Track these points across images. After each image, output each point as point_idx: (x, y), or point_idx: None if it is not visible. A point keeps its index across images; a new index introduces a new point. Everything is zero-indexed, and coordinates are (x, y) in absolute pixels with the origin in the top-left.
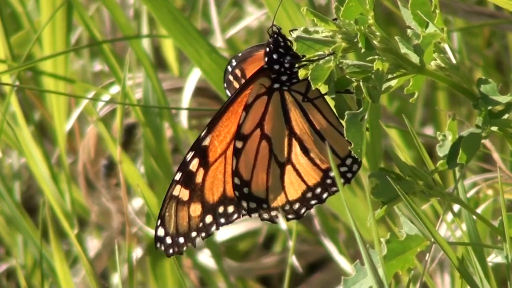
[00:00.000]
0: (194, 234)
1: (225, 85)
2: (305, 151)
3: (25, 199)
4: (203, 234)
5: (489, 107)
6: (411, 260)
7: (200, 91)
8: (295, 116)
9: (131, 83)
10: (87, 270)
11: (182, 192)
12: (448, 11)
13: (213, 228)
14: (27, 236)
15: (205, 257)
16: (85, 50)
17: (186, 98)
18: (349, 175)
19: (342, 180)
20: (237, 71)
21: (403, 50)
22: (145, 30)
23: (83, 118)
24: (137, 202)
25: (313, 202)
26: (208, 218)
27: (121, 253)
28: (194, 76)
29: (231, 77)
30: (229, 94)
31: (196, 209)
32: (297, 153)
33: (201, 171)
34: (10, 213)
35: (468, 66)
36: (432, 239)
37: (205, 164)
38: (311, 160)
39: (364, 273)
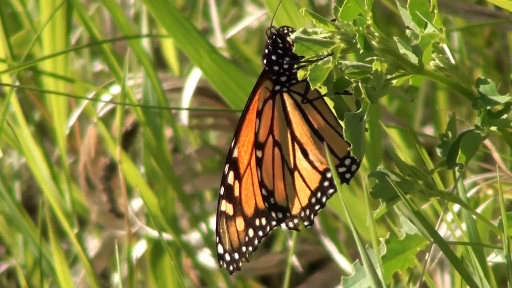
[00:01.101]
0: (244, 248)
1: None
2: (305, 154)
3: (25, 199)
4: (251, 249)
5: (488, 107)
6: (411, 259)
7: (200, 91)
8: (295, 118)
9: (131, 83)
10: (87, 269)
11: (227, 207)
12: (448, 11)
13: (256, 241)
14: (27, 235)
15: (205, 257)
16: (85, 50)
17: (186, 98)
18: (347, 175)
19: (340, 181)
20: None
21: (402, 50)
22: (145, 30)
23: (83, 118)
24: (137, 202)
25: (317, 207)
26: (250, 232)
27: (121, 253)
28: (195, 76)
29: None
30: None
31: (240, 223)
32: (299, 158)
33: (237, 184)
34: (10, 213)
35: (468, 65)
36: (432, 239)
37: (238, 176)
38: (311, 163)
39: (363, 273)
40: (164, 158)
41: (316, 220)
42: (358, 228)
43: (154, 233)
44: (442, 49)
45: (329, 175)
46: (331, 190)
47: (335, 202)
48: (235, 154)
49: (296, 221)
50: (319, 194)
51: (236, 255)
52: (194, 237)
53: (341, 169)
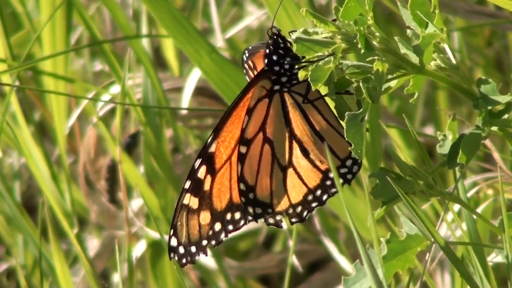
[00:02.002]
0: (205, 242)
1: (244, 71)
2: (305, 153)
3: (25, 199)
4: (213, 242)
5: (489, 107)
6: (411, 259)
7: (200, 91)
8: (295, 118)
9: (132, 83)
10: (87, 269)
11: (191, 201)
12: (449, 11)
13: (222, 235)
14: (27, 235)
15: (205, 257)
16: (86, 50)
17: (186, 98)
18: (349, 176)
19: (341, 181)
20: (250, 63)
21: (403, 50)
22: (145, 30)
23: (83, 118)
24: (137, 202)
25: (314, 204)
26: (217, 226)
27: (121, 253)
28: (194, 76)
29: (246, 66)
30: (248, 80)
31: (205, 217)
32: (297, 156)
33: (209, 178)
34: (10, 213)
35: (469, 65)
36: (432, 239)
37: (212, 171)
38: (311, 162)
39: (364, 273)
40: (164, 158)
41: (316, 220)
42: (358, 228)
43: (154, 233)
44: (443, 49)
45: (331, 174)
46: (333, 189)
47: (335, 202)
48: (211, 149)
49: (278, 217)
50: (318, 192)
51: (193, 248)
52: None
53: (343, 170)
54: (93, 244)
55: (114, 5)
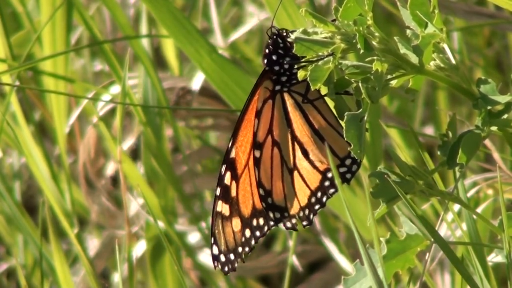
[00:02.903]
0: (240, 249)
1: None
2: (305, 154)
3: (25, 198)
4: (247, 249)
5: (489, 107)
6: (411, 259)
7: (200, 91)
8: (296, 118)
9: (132, 83)
10: (87, 269)
11: (224, 208)
12: (448, 12)
13: (253, 241)
14: (27, 235)
15: (205, 257)
16: (86, 50)
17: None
18: (348, 175)
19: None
20: None
21: (403, 50)
22: (145, 30)
23: (83, 118)
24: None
25: (316, 207)
26: (247, 232)
27: (121, 252)
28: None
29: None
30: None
31: (236, 223)
32: (300, 157)
33: (234, 184)
34: (10, 213)
35: (468, 65)
36: (432, 239)
37: (235, 177)
38: (311, 163)
39: (364, 273)
40: (164, 158)
41: (316, 220)
42: (358, 228)
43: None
44: (442, 49)
45: (329, 174)
46: (332, 190)
47: (336, 202)
48: (232, 154)
49: (294, 221)
50: (319, 194)
51: (232, 256)
52: (194, 237)
53: (342, 169)
54: (93, 244)
55: (114, 5)
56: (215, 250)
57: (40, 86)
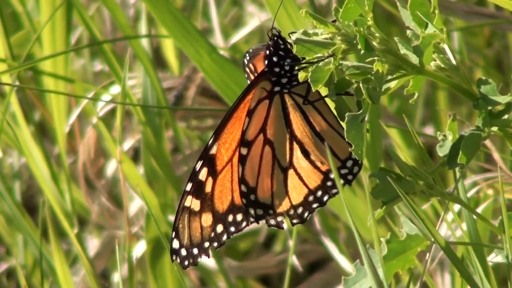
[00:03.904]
0: (207, 244)
1: (246, 75)
2: (306, 154)
3: (25, 199)
4: (215, 244)
5: (489, 107)
6: (411, 259)
7: (200, 91)
8: (296, 119)
9: (132, 83)
10: (87, 269)
11: (193, 203)
12: (448, 12)
13: (224, 237)
14: (27, 235)
15: (205, 257)
16: (86, 50)
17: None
18: (349, 177)
19: (342, 182)
20: (251, 66)
21: (403, 51)
22: (145, 30)
23: (83, 118)
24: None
25: (315, 205)
26: (219, 228)
27: (121, 253)
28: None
29: (247, 70)
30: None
31: (207, 219)
32: (298, 157)
33: (210, 180)
34: (10, 213)
35: (469, 66)
36: (432, 239)
37: (213, 173)
38: (312, 163)
39: (364, 273)
40: (164, 158)
41: (316, 220)
42: (358, 228)
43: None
44: (442, 49)
45: (332, 175)
46: (334, 190)
47: (336, 202)
48: (213, 151)
49: (280, 218)
50: (319, 193)
51: (195, 250)
52: None
53: (343, 171)
54: (93, 244)
55: (114, 5)
56: (176, 244)
57: (40, 86)
